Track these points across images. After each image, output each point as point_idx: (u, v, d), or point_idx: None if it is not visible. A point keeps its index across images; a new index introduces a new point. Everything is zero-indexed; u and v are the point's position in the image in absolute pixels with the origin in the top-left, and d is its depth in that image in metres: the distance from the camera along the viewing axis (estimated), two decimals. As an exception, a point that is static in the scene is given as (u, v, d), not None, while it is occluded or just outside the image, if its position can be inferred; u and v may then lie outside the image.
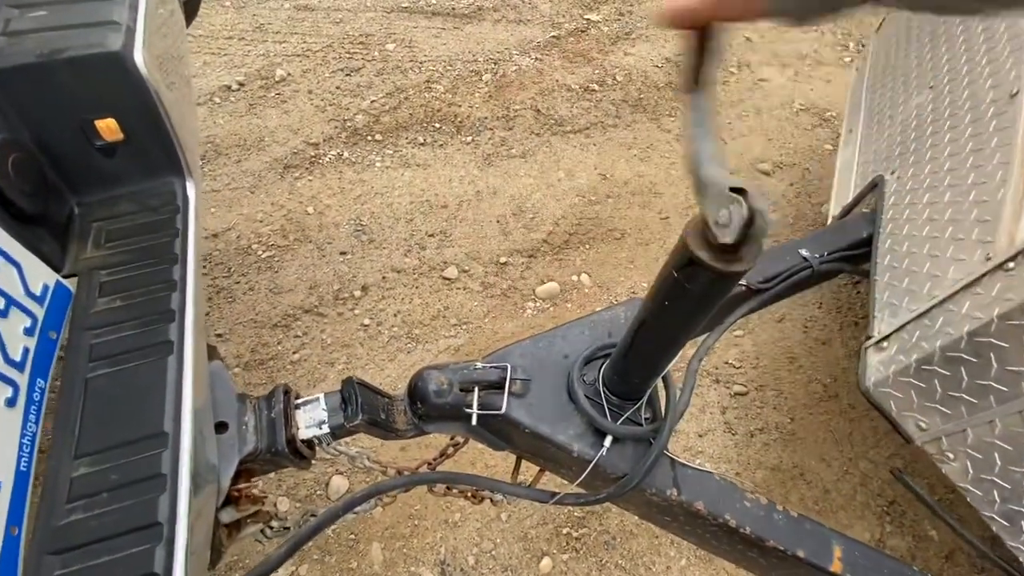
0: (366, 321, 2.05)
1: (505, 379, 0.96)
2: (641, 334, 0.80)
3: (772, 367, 2.03)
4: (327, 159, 2.53)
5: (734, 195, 0.52)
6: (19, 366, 0.69)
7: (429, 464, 1.27)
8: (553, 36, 3.26)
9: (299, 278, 2.14)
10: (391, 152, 2.59)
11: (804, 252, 1.25)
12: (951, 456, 0.94)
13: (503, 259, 2.26)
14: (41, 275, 0.77)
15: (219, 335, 1.96)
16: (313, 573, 1.53)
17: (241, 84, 2.80)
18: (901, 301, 1.05)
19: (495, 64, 3.05)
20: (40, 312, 0.75)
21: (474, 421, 0.95)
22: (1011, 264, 0.81)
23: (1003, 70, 1.11)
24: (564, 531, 1.63)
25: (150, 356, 0.76)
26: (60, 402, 0.73)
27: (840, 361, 2.05)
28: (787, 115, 2.98)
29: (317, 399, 0.98)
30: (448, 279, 2.18)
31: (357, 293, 2.11)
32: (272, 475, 1.70)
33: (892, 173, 1.39)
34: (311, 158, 2.53)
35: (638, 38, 3.31)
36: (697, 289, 0.63)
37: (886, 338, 1.03)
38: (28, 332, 0.72)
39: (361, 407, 0.97)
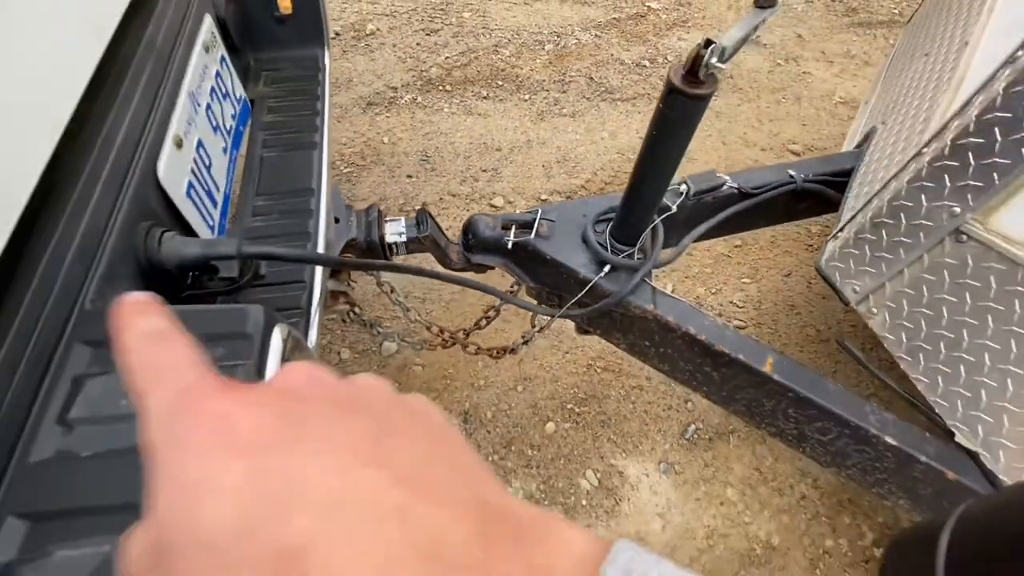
0: (423, 230, 2.41)
1: (535, 220, 1.29)
2: (637, 173, 1.11)
3: (772, 311, 2.27)
4: (403, 101, 2.93)
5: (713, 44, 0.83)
6: (227, 133, 1.07)
7: (465, 331, 1.61)
8: (614, 18, 3.56)
9: (371, 191, 2.53)
10: (458, 101, 2.96)
11: (792, 172, 1.52)
12: (875, 311, 1.20)
13: (544, 196, 2.58)
14: (239, 87, 1.16)
15: (304, 226, 2.36)
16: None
17: (337, 34, 3.23)
18: (857, 203, 1.32)
19: (558, 37, 3.38)
20: (238, 109, 1.14)
21: (509, 246, 1.28)
22: (924, 149, 1.08)
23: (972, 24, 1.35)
24: (568, 406, 1.94)
25: (303, 148, 1.13)
26: (245, 167, 1.11)
27: (837, 313, 2.26)
28: (826, 106, 3.17)
29: (400, 219, 1.34)
30: (495, 206, 2.52)
31: (417, 207, 2.48)
32: (340, 333, 2.08)
33: (883, 123, 1.64)
34: (390, 99, 2.93)
35: (693, 26, 3.56)
36: (676, 115, 0.93)
37: (842, 228, 1.30)
38: (232, 117, 1.10)
39: (430, 227, 1.32)
